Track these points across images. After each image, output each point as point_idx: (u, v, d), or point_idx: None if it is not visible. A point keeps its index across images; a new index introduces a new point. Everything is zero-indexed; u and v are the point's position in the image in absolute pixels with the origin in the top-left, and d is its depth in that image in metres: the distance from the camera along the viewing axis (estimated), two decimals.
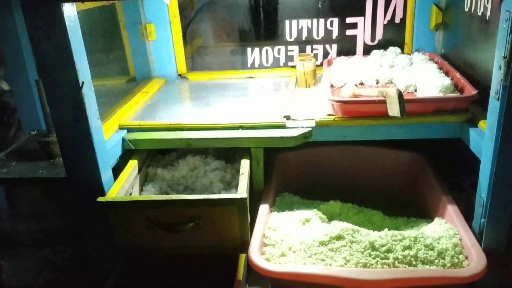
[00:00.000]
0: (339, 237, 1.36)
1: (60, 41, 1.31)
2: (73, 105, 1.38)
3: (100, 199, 1.41)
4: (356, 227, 1.40)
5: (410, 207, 1.81)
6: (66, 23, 1.30)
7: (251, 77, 2.33)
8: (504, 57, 1.21)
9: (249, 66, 2.38)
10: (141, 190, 1.70)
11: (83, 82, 1.36)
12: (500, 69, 1.23)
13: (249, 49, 2.35)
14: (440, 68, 1.88)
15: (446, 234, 1.39)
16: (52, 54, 1.33)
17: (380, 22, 2.22)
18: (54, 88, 1.38)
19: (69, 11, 1.31)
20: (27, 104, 2.41)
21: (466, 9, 1.80)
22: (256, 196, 1.71)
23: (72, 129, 1.42)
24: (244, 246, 1.42)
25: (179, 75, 2.39)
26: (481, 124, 1.52)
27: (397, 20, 2.21)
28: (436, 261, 1.30)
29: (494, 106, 1.28)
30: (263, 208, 1.57)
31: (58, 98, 1.39)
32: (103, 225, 1.44)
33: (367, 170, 1.93)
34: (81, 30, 1.39)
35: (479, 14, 1.66)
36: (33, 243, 1.84)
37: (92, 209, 1.47)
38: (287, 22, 2.27)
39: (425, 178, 1.76)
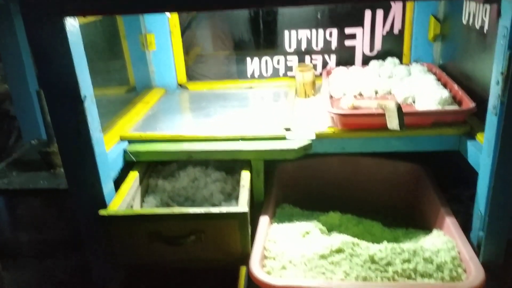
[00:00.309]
0: (339, 250, 1.37)
1: (62, 55, 1.31)
2: (75, 118, 1.39)
3: (102, 212, 1.42)
4: (356, 240, 1.41)
5: (409, 218, 1.82)
6: (69, 37, 1.30)
7: (251, 87, 2.35)
8: (502, 73, 1.22)
9: (248, 76, 2.39)
10: (142, 201, 1.71)
11: (85, 96, 1.37)
12: (498, 84, 1.25)
13: (248, 59, 2.37)
14: (438, 79, 1.90)
15: (445, 247, 1.40)
16: (54, 68, 1.34)
17: (379, 32, 2.24)
18: (56, 102, 1.38)
19: (71, 25, 1.32)
20: (28, 113, 2.41)
21: (464, 22, 1.82)
22: (256, 207, 1.72)
23: (74, 142, 1.42)
24: (244, 258, 1.43)
25: (179, 84, 2.40)
26: (479, 137, 1.54)
27: (396, 31, 2.23)
28: (435, 274, 1.31)
29: (492, 121, 1.30)
30: (264, 220, 1.58)
31: (60, 112, 1.39)
32: (105, 238, 1.45)
33: (366, 180, 1.94)
34: (84, 41, 1.39)
35: (477, 27, 1.68)
36: (35, 254, 1.84)
37: (93, 222, 1.47)
38: (286, 32, 2.29)
39: (424, 189, 1.77)
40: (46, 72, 1.35)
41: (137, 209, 1.62)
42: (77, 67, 1.35)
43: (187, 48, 2.39)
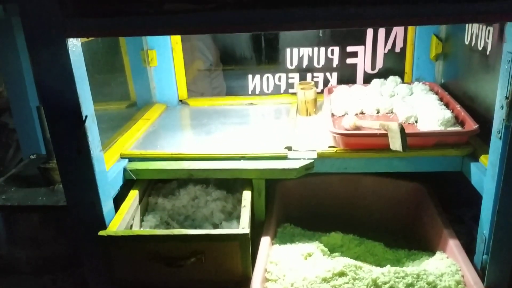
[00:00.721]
0: (341, 274, 1.35)
1: (64, 75, 1.31)
2: (76, 137, 1.38)
3: (101, 233, 1.40)
4: (358, 263, 1.39)
5: (411, 238, 1.81)
6: (71, 57, 1.30)
7: (252, 103, 2.34)
8: (506, 98, 1.22)
9: (250, 92, 2.39)
10: (141, 220, 1.69)
11: (86, 116, 1.36)
12: (502, 108, 1.24)
13: (250, 76, 2.37)
14: (441, 99, 1.89)
15: (449, 270, 1.39)
16: (55, 87, 1.33)
17: (381, 51, 2.24)
18: (57, 121, 1.37)
19: (74, 45, 1.31)
20: (27, 127, 2.40)
21: (466, 42, 1.82)
22: (258, 226, 1.70)
23: (74, 161, 1.41)
24: (245, 281, 1.41)
25: (180, 100, 2.39)
26: (482, 158, 1.53)
27: (398, 50, 2.23)
28: None
29: (496, 145, 1.29)
30: (265, 241, 1.56)
31: (60, 130, 1.38)
32: (104, 259, 1.43)
33: (368, 199, 1.92)
34: (85, 59, 1.39)
35: (480, 48, 1.68)
36: (32, 270, 1.82)
37: (92, 241, 1.45)
38: (288, 50, 2.29)
39: (426, 209, 1.76)
40: (48, 90, 1.34)
41: (137, 229, 1.60)
42: (79, 87, 1.34)
43: (189, 66, 2.39)
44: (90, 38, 1.69)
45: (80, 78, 1.35)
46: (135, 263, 1.42)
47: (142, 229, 1.65)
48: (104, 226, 1.47)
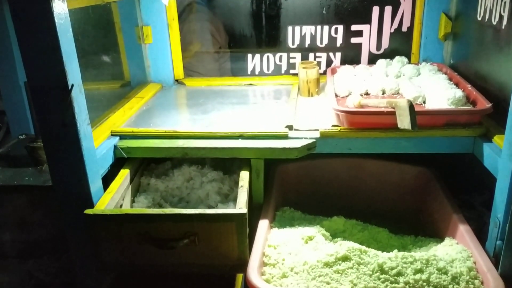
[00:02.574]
0: (345, 258, 1.26)
1: (49, 39, 1.22)
2: (61, 109, 1.28)
3: (87, 211, 1.31)
4: (363, 248, 1.30)
5: (417, 224, 1.72)
6: (56, 20, 1.20)
7: (251, 84, 2.24)
8: None
9: (249, 73, 2.29)
10: (132, 201, 1.60)
11: (72, 85, 1.26)
12: None
13: (249, 55, 2.27)
14: (450, 79, 1.80)
15: (459, 256, 1.30)
16: (40, 53, 1.23)
17: (387, 30, 2.14)
18: (40, 90, 1.28)
19: (60, 8, 1.22)
20: (17, 107, 2.32)
21: (479, 18, 1.72)
22: (255, 209, 1.61)
23: (59, 135, 1.32)
24: (242, 265, 1.32)
25: (176, 80, 2.29)
26: (496, 139, 1.44)
27: (404, 29, 2.13)
28: (450, 286, 1.20)
29: None
30: (263, 224, 1.47)
31: (44, 101, 1.29)
32: (91, 239, 1.34)
33: (372, 184, 1.84)
34: (73, 30, 1.29)
35: (494, 23, 1.58)
36: (17, 254, 1.75)
37: (79, 221, 1.36)
38: (289, 28, 2.19)
39: (433, 194, 1.67)
40: (31, 57, 1.25)
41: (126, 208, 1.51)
42: (65, 53, 1.25)
43: (186, 44, 2.28)
44: (81, 5, 1.59)
45: (66, 44, 1.25)
46: (124, 244, 1.32)
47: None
48: (91, 206, 1.38)
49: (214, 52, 2.34)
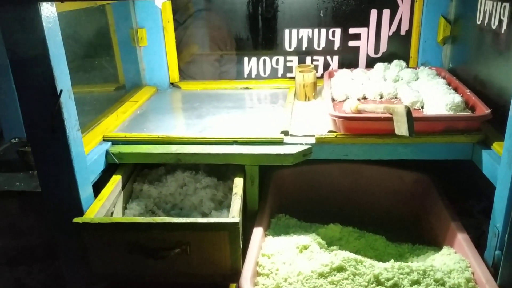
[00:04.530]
0: (340, 269, 1.23)
1: (37, 44, 1.19)
2: (50, 115, 1.25)
3: (76, 219, 1.28)
4: (359, 258, 1.27)
5: (415, 232, 1.69)
6: (44, 24, 1.17)
7: (247, 87, 2.21)
8: None
9: (245, 76, 2.26)
10: (124, 208, 1.56)
11: (61, 90, 1.23)
12: None
13: (246, 59, 2.24)
14: (449, 84, 1.76)
15: (457, 267, 1.26)
16: (27, 58, 1.21)
17: (385, 33, 2.11)
18: (29, 96, 1.25)
19: (48, 11, 1.19)
20: (10, 110, 2.28)
21: (478, 22, 1.69)
22: (250, 217, 1.58)
23: (48, 141, 1.29)
24: (235, 275, 1.29)
25: (171, 83, 2.26)
26: (496, 146, 1.41)
27: (403, 32, 2.10)
28: None
29: None
30: (257, 232, 1.44)
31: (33, 107, 1.26)
32: (80, 248, 1.31)
33: (369, 189, 1.80)
34: (65, 32, 1.26)
35: (493, 27, 1.55)
36: (7, 261, 1.71)
37: (68, 229, 1.33)
38: (286, 31, 2.16)
39: (431, 201, 1.64)
40: (19, 61, 1.22)
41: (117, 216, 1.47)
42: (53, 58, 1.22)
43: (182, 47, 2.25)
44: (72, 8, 1.56)
45: (55, 48, 1.22)
46: (114, 254, 1.29)
47: (124, 217, 1.52)
48: (81, 213, 1.35)
49: (214, 60, 2.30)
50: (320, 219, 1.62)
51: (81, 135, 1.37)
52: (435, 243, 1.53)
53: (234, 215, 1.30)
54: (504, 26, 1.47)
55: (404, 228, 1.73)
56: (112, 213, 1.46)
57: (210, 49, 2.28)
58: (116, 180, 1.53)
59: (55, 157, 1.30)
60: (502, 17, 1.49)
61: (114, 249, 1.29)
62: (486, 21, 1.61)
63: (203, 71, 2.30)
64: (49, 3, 1.19)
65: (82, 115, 1.45)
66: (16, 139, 2.08)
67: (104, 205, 1.39)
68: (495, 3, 1.53)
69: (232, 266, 1.29)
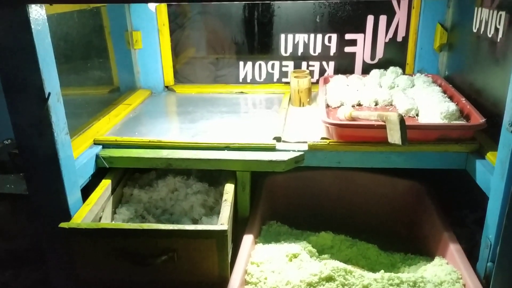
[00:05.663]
0: (329, 279, 1.21)
1: (25, 46, 1.17)
2: (38, 118, 1.23)
3: (62, 224, 1.26)
4: (349, 268, 1.25)
5: (407, 240, 1.67)
6: (32, 26, 1.16)
7: (242, 92, 2.20)
8: None
9: (240, 80, 2.25)
10: (114, 213, 1.54)
11: (49, 94, 1.22)
12: None
13: (241, 63, 2.22)
14: (444, 92, 1.75)
15: (449, 278, 1.25)
16: (15, 60, 1.19)
17: (381, 39, 2.09)
18: (16, 98, 1.23)
19: (37, 13, 1.17)
20: (3, 110, 2.26)
21: (474, 30, 1.67)
22: (241, 223, 1.56)
23: (36, 144, 1.27)
24: (222, 283, 1.27)
25: (166, 87, 2.25)
26: (489, 156, 1.39)
27: (399, 39, 2.09)
28: None
29: (507, 139, 1.14)
30: (247, 239, 1.42)
31: (20, 110, 1.24)
32: (67, 254, 1.29)
33: (362, 198, 1.78)
34: (58, 34, 1.24)
35: (489, 36, 1.54)
36: None
37: (56, 233, 1.31)
38: (282, 36, 2.14)
39: (425, 209, 1.62)
40: (7, 64, 1.20)
41: (105, 222, 1.45)
42: (42, 61, 1.20)
43: (177, 51, 2.24)
44: (64, 10, 1.54)
45: (43, 51, 1.20)
46: (100, 260, 1.27)
47: (113, 222, 1.50)
48: (68, 218, 1.33)
49: (209, 63, 2.28)
50: (312, 226, 1.60)
51: (70, 138, 1.35)
52: (427, 252, 1.51)
53: (222, 222, 1.28)
54: (500, 35, 1.45)
55: (397, 236, 1.71)
56: (100, 218, 1.44)
57: (206, 52, 2.27)
58: (105, 185, 1.51)
59: (43, 160, 1.29)
60: (498, 26, 1.47)
61: (101, 255, 1.27)
62: (483, 29, 1.60)
63: (199, 75, 2.29)
64: (38, 5, 1.17)
65: (74, 118, 1.43)
66: (9, 141, 2.06)
67: (92, 210, 1.37)
68: (491, 11, 1.52)
69: (220, 274, 1.27)
